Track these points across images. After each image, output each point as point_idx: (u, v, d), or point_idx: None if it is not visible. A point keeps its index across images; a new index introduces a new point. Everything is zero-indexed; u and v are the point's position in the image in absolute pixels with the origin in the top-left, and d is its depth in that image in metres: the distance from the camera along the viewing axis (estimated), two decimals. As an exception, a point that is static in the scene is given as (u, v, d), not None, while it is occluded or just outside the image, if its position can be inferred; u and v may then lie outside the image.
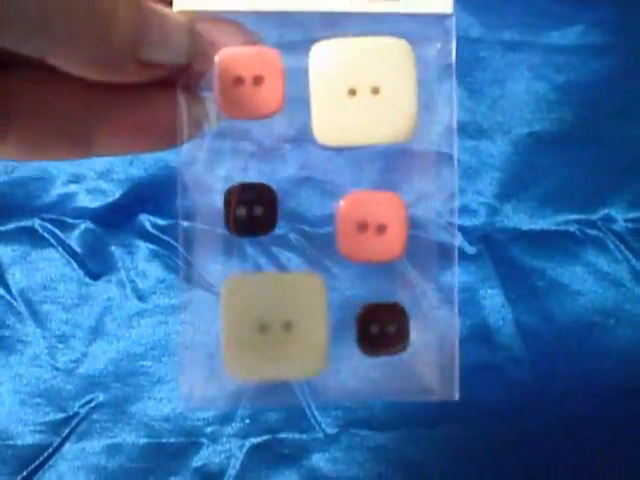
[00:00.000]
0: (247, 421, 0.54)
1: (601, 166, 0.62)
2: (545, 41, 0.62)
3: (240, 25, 0.39)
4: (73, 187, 0.56)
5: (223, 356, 0.41)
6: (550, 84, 0.62)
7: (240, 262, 0.57)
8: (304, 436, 0.55)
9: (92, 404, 0.53)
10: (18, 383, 0.53)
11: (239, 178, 0.58)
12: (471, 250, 0.59)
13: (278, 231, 0.58)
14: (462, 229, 0.60)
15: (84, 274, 0.55)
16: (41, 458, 0.53)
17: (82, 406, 0.53)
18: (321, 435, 0.55)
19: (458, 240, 0.59)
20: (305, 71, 0.47)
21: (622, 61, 0.63)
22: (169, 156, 0.57)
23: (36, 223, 0.55)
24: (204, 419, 0.54)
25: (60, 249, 0.55)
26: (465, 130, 0.60)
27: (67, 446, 0.53)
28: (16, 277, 0.55)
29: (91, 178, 0.56)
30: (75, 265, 0.55)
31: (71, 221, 0.55)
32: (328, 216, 0.59)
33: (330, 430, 0.55)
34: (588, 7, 0.64)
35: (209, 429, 0.54)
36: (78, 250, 0.55)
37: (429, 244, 0.59)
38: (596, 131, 0.62)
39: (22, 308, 0.54)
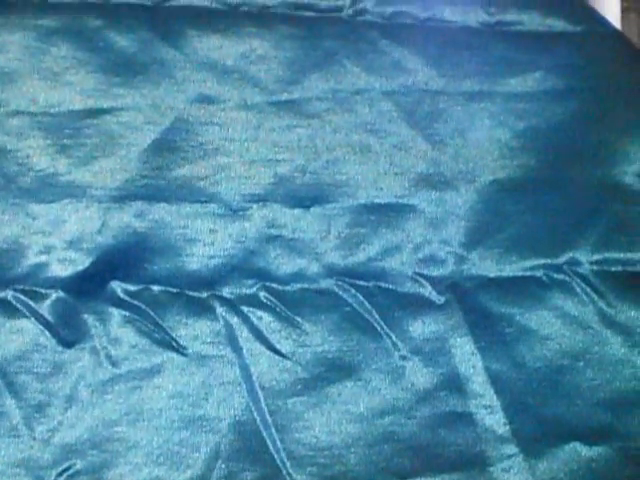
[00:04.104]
0: (223, 482, 0.55)
1: (565, 210, 0.63)
2: (505, 89, 0.63)
3: None
4: (44, 257, 0.57)
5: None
6: (512, 131, 0.63)
7: (211, 323, 0.58)
8: (280, 494, 0.55)
9: (70, 472, 0.54)
10: (-3, 455, 0.54)
11: (207, 240, 0.59)
12: (439, 299, 0.60)
13: (248, 290, 0.59)
14: (430, 279, 0.61)
15: (57, 343, 0.56)
16: (22, 527, 0.54)
17: (60, 474, 0.54)
18: (296, 493, 0.55)
19: (426, 290, 0.60)
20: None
21: (583, 104, 0.64)
22: (136, 222, 0.58)
23: (9, 294, 0.56)
24: (181, 482, 0.55)
25: (33, 319, 0.56)
26: (429, 181, 0.62)
27: (46, 514, 0.54)
28: (-9, 348, 0.55)
29: (61, 248, 0.57)
30: (48, 334, 0.56)
31: (43, 291, 0.56)
32: (298, 273, 0.60)
33: (306, 487, 0.55)
34: (546, 52, 0.65)
35: (185, 492, 0.55)
36: (51, 320, 0.56)
37: (397, 295, 0.61)
38: (559, 176, 0.63)
39: (-3, 379, 0.55)
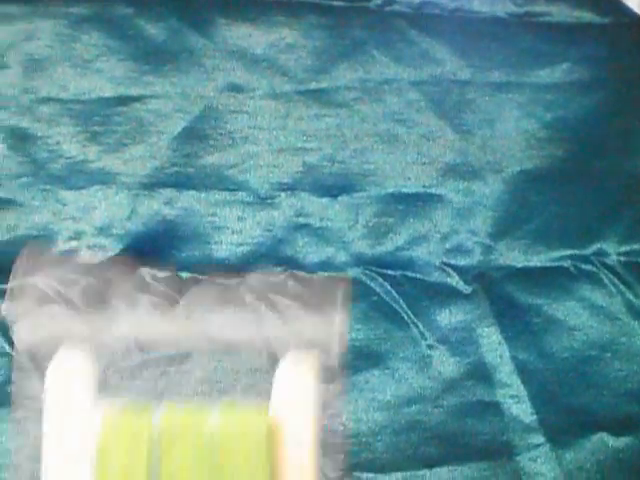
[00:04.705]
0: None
1: (592, 201, 0.63)
2: (533, 80, 0.63)
3: None
4: (74, 243, 0.57)
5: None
6: (539, 122, 0.63)
7: (239, 310, 0.58)
8: (307, 481, 0.55)
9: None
10: (25, 438, 0.54)
11: (236, 228, 0.59)
12: (466, 289, 0.60)
13: (275, 278, 0.59)
14: (457, 269, 0.61)
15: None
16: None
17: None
18: (324, 480, 0.55)
19: (453, 280, 0.60)
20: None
21: (610, 96, 0.64)
22: (166, 209, 0.58)
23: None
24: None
25: (63, 305, 0.56)
26: (457, 171, 0.62)
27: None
28: (21, 333, 0.56)
29: (91, 234, 0.57)
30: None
31: (73, 277, 0.56)
32: (325, 262, 0.60)
33: (333, 474, 0.56)
34: (574, 44, 0.65)
35: None
36: (80, 305, 0.56)
37: (424, 285, 0.61)
38: (586, 166, 0.63)
39: (28, 364, 0.55)
